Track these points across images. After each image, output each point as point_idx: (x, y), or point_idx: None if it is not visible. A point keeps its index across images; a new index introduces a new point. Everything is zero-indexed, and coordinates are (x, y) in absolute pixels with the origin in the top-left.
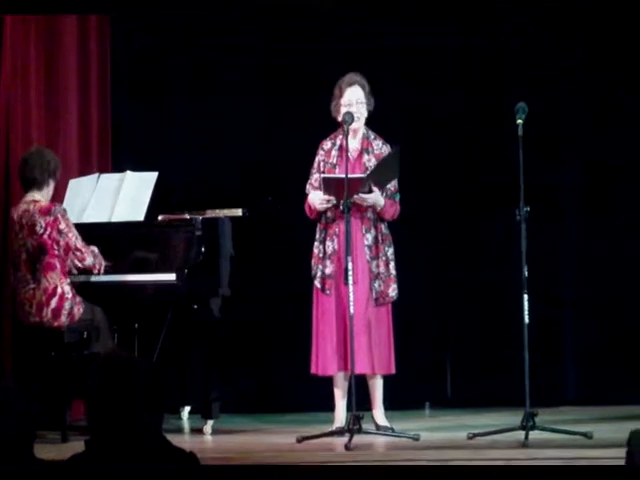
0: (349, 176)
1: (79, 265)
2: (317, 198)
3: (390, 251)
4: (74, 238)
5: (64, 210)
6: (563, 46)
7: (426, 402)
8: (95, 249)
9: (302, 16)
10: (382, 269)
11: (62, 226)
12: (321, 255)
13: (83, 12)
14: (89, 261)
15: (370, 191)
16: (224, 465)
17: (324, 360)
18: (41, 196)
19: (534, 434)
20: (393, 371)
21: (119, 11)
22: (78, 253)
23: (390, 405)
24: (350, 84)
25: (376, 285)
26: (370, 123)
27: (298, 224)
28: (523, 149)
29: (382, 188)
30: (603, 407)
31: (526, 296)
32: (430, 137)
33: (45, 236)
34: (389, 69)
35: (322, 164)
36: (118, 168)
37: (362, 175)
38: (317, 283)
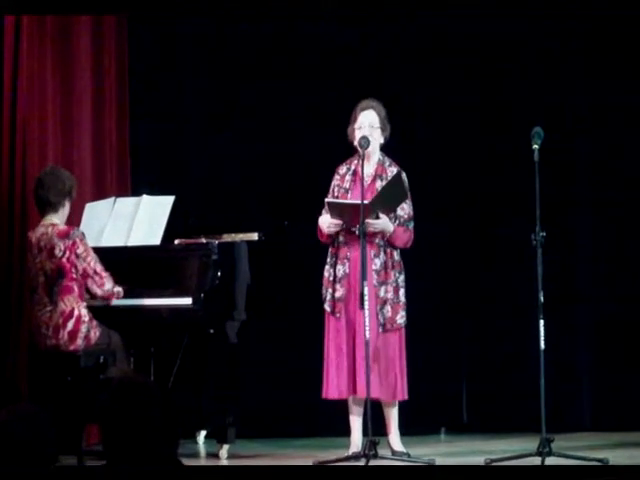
0: (349, 202)
1: (97, 291)
2: (325, 221)
3: (401, 278)
4: (93, 262)
5: (82, 234)
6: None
7: (442, 427)
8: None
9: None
10: (391, 295)
11: (80, 250)
12: (331, 278)
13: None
14: (108, 286)
15: (377, 217)
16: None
17: (333, 384)
18: (58, 219)
19: (550, 460)
20: (401, 398)
21: (137, 28)
22: (97, 278)
23: (405, 430)
24: (364, 109)
25: (384, 311)
26: (386, 148)
27: (314, 248)
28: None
29: (389, 214)
30: (619, 433)
31: (542, 321)
32: (443, 162)
33: (64, 259)
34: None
35: (337, 189)
36: (135, 191)
37: (359, 202)
38: (327, 307)
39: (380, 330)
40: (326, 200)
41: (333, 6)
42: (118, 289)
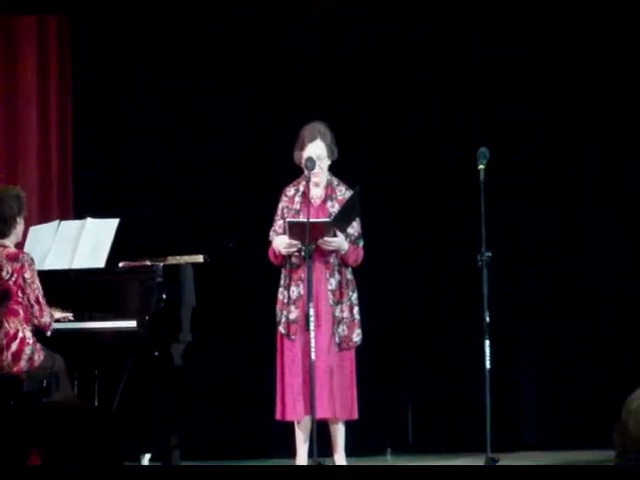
0: (313, 220)
1: (34, 321)
2: (282, 242)
3: (354, 296)
4: (37, 290)
5: (32, 259)
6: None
7: (387, 447)
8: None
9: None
10: (346, 314)
11: (27, 275)
12: (286, 300)
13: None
14: (45, 319)
15: (335, 235)
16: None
17: (289, 405)
18: (9, 240)
19: None
20: (356, 417)
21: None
22: (37, 307)
23: (351, 450)
24: (312, 139)
25: (340, 330)
26: (334, 167)
27: (259, 270)
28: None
29: (344, 231)
30: (562, 452)
31: (487, 341)
32: (392, 180)
33: (11, 282)
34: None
35: (285, 210)
36: (78, 213)
37: (327, 220)
38: (281, 329)
39: (336, 349)
40: (287, 220)
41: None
42: (52, 322)
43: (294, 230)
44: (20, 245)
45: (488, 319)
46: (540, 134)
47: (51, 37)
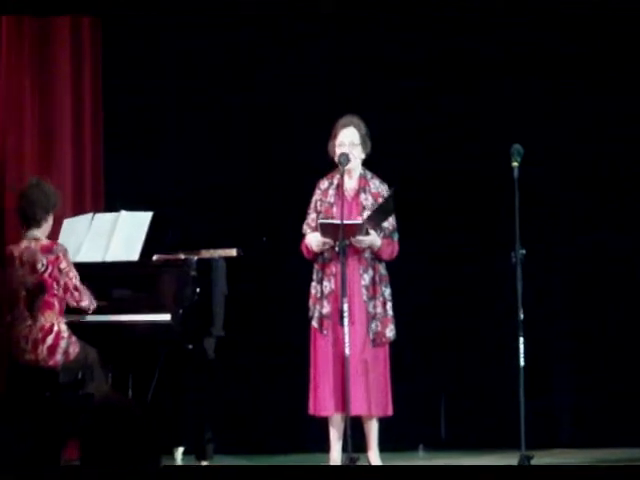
0: (345, 222)
1: (74, 304)
2: (314, 240)
3: (387, 292)
4: (74, 278)
5: (65, 250)
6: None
7: (420, 444)
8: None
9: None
10: (379, 310)
11: (63, 265)
12: (318, 295)
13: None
14: (85, 303)
15: (367, 233)
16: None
17: (321, 401)
18: (41, 233)
19: None
20: (390, 413)
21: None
22: (76, 293)
23: (384, 446)
24: (344, 126)
25: (373, 326)
26: (367, 163)
27: (293, 264)
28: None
29: (377, 229)
30: (597, 450)
31: (522, 339)
32: (426, 177)
33: (46, 275)
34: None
35: (319, 203)
36: (111, 207)
37: (359, 221)
38: (315, 323)
39: (370, 345)
40: (319, 221)
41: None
42: (94, 305)
43: (326, 230)
44: (53, 237)
45: (522, 316)
46: (574, 129)
47: (84, 31)
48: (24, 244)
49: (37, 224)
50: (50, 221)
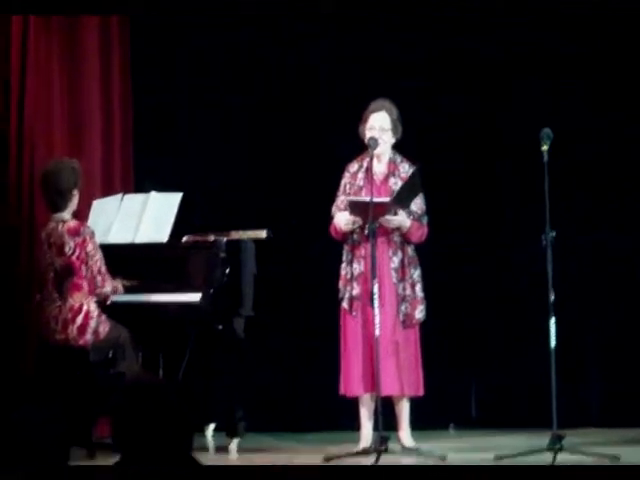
0: (374, 200)
1: (96, 291)
2: (343, 219)
3: (417, 273)
4: (99, 261)
5: (92, 232)
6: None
7: (450, 422)
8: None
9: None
10: (409, 291)
11: (90, 248)
12: (349, 277)
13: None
14: (107, 289)
15: (396, 214)
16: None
17: (351, 381)
18: (67, 213)
19: (562, 456)
20: (421, 393)
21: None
22: (99, 278)
23: (414, 425)
24: (375, 110)
25: (403, 308)
26: (398, 146)
27: (322, 246)
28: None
29: (405, 209)
30: (628, 429)
31: (553, 319)
32: (457, 159)
33: (73, 257)
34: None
35: (348, 186)
36: (139, 188)
37: (387, 199)
38: (345, 305)
39: (400, 327)
40: (348, 199)
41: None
42: (115, 292)
43: (355, 208)
44: (82, 218)
45: (553, 297)
46: (604, 113)
47: (113, 29)
48: (51, 225)
49: (62, 202)
50: (75, 200)
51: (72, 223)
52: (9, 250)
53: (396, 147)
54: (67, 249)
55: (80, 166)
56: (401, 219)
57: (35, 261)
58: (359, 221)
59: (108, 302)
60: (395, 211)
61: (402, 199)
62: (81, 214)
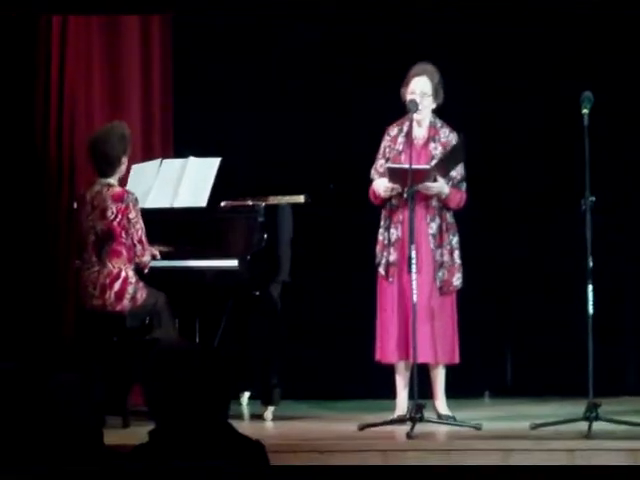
0: (414, 167)
1: (135, 259)
2: (382, 185)
3: (455, 240)
4: (140, 230)
5: (136, 199)
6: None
7: (486, 390)
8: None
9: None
10: (446, 258)
11: (132, 215)
12: (386, 242)
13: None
14: (146, 259)
15: (435, 180)
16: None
17: (386, 348)
18: (114, 179)
19: (597, 425)
20: (457, 361)
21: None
22: (139, 246)
23: (449, 393)
24: (417, 74)
25: (440, 274)
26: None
27: (361, 211)
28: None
29: (446, 177)
30: None
31: (591, 286)
32: (496, 127)
33: (115, 222)
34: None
35: (388, 150)
36: (179, 153)
37: (427, 166)
38: (381, 270)
39: (437, 294)
40: (387, 165)
41: None
42: (154, 257)
43: (394, 175)
44: (123, 183)
45: (592, 264)
46: None
47: None
48: (96, 188)
49: (110, 170)
50: (123, 166)
51: (117, 189)
52: (49, 219)
53: (437, 112)
54: (109, 214)
55: (130, 133)
56: (440, 185)
57: (76, 224)
58: (398, 188)
59: (146, 271)
60: (434, 177)
61: (443, 167)
62: (122, 180)
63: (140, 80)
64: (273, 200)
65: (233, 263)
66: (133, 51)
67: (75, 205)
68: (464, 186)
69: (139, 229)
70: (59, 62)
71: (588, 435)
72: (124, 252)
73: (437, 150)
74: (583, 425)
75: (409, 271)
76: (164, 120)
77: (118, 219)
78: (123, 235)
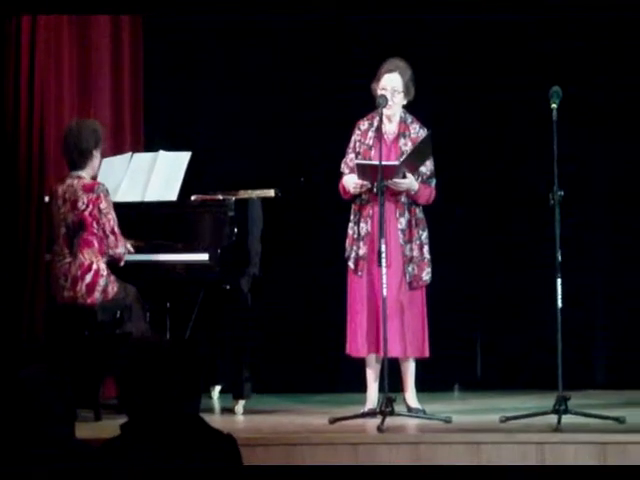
0: (383, 163)
1: (109, 251)
2: (351, 182)
3: (424, 235)
4: (112, 220)
5: (107, 190)
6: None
7: (455, 384)
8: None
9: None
10: (416, 253)
11: (103, 205)
12: (355, 236)
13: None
14: (120, 250)
15: (404, 176)
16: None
17: (356, 342)
18: (86, 173)
19: (566, 418)
20: (427, 355)
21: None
22: (112, 237)
23: (419, 387)
24: (389, 70)
25: (410, 269)
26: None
27: (330, 204)
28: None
29: (415, 173)
30: (633, 391)
31: (560, 280)
32: (463, 121)
33: (86, 213)
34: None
35: (358, 144)
36: (149, 147)
37: (396, 162)
38: (351, 264)
39: (406, 288)
40: (356, 162)
41: None
42: (128, 250)
43: (363, 171)
44: (95, 177)
45: (560, 258)
46: (613, 71)
47: None
48: (67, 182)
49: (81, 164)
50: (96, 160)
51: (87, 181)
52: (20, 213)
53: (407, 107)
54: (80, 204)
55: (103, 129)
56: (409, 182)
57: (48, 218)
58: (367, 184)
59: (122, 263)
60: (404, 173)
61: (411, 163)
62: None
63: (110, 76)
64: (243, 194)
65: (203, 257)
66: (103, 46)
67: (47, 199)
68: (434, 182)
69: (111, 219)
70: (29, 58)
71: (557, 428)
72: (95, 243)
73: (407, 146)
74: (552, 418)
75: (379, 265)
76: (134, 115)
77: (89, 209)
78: (94, 225)
